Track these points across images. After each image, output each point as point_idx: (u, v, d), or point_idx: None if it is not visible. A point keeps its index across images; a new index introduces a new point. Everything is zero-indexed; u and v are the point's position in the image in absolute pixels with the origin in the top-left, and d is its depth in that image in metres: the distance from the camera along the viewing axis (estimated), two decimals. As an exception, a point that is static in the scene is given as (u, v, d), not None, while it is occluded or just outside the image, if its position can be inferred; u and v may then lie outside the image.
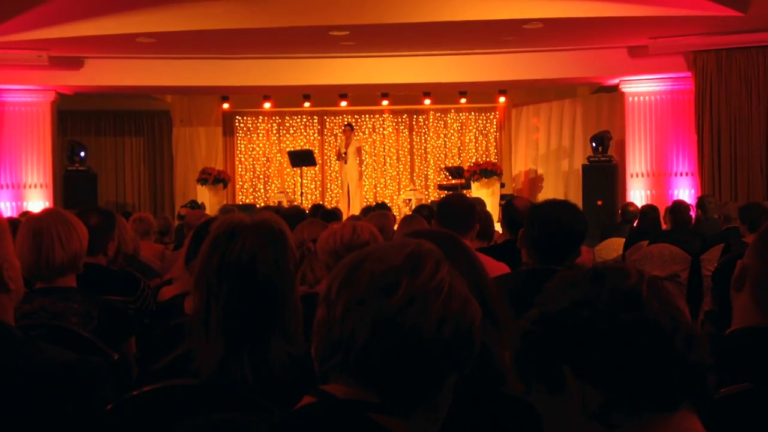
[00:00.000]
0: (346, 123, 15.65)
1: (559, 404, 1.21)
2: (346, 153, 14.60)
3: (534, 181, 15.90)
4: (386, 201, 15.33)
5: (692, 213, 7.95)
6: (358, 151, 14.98)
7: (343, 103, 15.89)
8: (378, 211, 6.15)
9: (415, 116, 17.13)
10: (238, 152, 17.14)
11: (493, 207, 12.73)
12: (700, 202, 9.06)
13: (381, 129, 17.19)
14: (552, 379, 1.21)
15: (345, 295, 1.21)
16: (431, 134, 17.15)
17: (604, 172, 13.05)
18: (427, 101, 15.74)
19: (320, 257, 3.12)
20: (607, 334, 1.18)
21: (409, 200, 15.29)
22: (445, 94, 15.76)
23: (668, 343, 1.18)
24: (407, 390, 1.20)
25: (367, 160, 16.69)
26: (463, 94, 15.68)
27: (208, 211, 12.12)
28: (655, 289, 1.22)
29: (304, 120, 17.15)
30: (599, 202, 12.69)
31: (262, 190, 17.08)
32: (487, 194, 13.88)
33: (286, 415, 1.26)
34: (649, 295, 1.20)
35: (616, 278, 1.22)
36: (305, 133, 17.15)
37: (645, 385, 1.17)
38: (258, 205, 15.26)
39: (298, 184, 15.78)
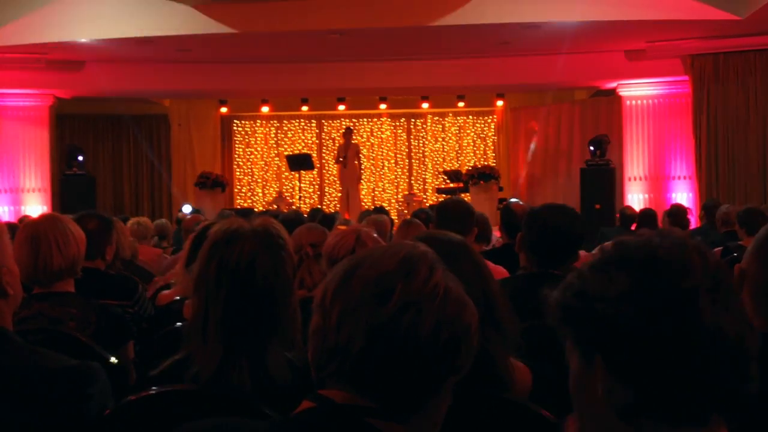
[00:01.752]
0: (345, 127, 15.65)
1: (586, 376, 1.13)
2: (345, 156, 14.60)
3: (532, 185, 15.89)
4: (384, 205, 15.32)
5: (690, 216, 7.92)
6: (357, 154, 14.98)
7: (341, 107, 15.89)
8: (373, 215, 6.14)
9: (413, 120, 17.15)
10: (236, 156, 17.15)
11: (491, 211, 12.72)
12: (707, 205, 8.97)
13: (379, 133, 17.20)
14: (584, 353, 1.12)
15: (340, 302, 1.20)
16: (429, 138, 17.16)
17: (602, 176, 13.03)
18: (425, 105, 15.75)
19: (325, 262, 3.08)
20: (653, 339, 1.06)
21: (408, 204, 15.29)
22: (443, 97, 15.76)
23: (721, 357, 1.05)
24: (405, 395, 1.19)
25: (366, 163, 16.69)
26: (461, 97, 15.69)
27: (206, 216, 12.09)
28: (723, 292, 1.08)
29: (302, 124, 17.16)
30: (597, 206, 12.67)
31: (260, 194, 17.08)
32: (485, 198, 13.87)
33: (285, 420, 1.26)
34: (708, 301, 1.06)
35: (673, 273, 1.08)
36: (303, 137, 17.16)
37: (679, 396, 1.06)
38: (256, 209, 15.25)
39: (297, 188, 15.77)
